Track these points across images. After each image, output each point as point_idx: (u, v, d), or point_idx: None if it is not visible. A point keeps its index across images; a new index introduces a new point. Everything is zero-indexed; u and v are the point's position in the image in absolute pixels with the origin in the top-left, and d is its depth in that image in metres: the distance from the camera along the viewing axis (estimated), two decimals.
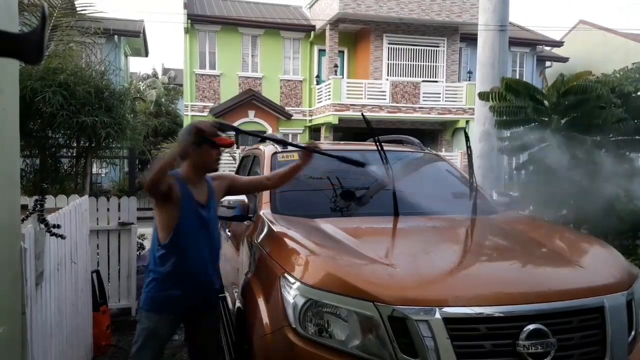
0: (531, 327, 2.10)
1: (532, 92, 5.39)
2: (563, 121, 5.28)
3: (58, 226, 3.01)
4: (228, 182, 3.15)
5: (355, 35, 21.78)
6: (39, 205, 2.95)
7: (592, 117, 4.87)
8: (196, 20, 20.32)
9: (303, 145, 3.33)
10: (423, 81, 20.54)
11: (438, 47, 21.28)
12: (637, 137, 5.35)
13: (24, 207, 2.83)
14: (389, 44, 20.76)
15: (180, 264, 2.82)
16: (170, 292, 2.82)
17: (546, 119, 5.23)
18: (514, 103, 5.44)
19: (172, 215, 2.79)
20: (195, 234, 2.85)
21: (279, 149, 3.99)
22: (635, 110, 5.16)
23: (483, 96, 5.93)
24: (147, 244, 6.32)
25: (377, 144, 3.56)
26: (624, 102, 5.12)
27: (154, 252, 2.90)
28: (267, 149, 4.09)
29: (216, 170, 3.02)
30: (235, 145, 19.07)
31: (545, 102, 5.36)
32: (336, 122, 19.24)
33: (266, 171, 3.74)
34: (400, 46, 20.84)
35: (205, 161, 2.89)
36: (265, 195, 3.51)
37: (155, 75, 24.88)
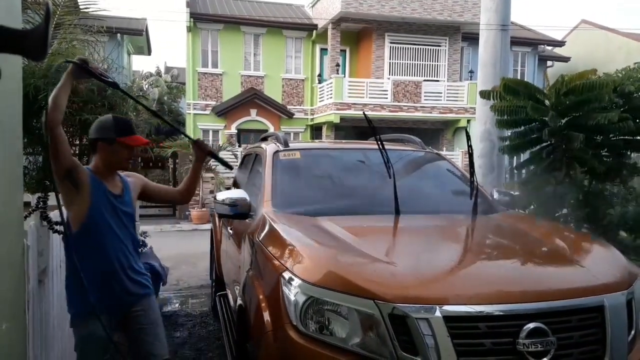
0: (531, 325, 2.10)
1: (532, 92, 5.38)
2: (564, 121, 5.27)
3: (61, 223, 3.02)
4: (142, 183, 3.07)
5: (357, 34, 21.78)
6: (41, 203, 2.96)
7: (593, 118, 4.87)
8: (199, 19, 20.34)
9: (190, 137, 3.55)
10: (425, 80, 20.55)
11: (440, 46, 21.27)
12: (638, 137, 5.35)
13: (26, 205, 2.84)
14: (391, 43, 20.76)
15: (90, 259, 2.64)
16: (84, 296, 2.57)
17: (546, 119, 5.23)
18: (514, 103, 5.44)
19: (82, 204, 2.65)
20: (108, 225, 2.72)
21: (281, 147, 3.99)
22: (636, 110, 5.15)
23: (484, 95, 5.93)
24: (149, 242, 6.33)
25: (379, 142, 3.56)
26: (626, 102, 5.12)
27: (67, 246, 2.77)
28: (269, 147, 4.09)
29: (126, 168, 2.96)
30: (237, 144, 19.11)
31: (547, 102, 5.35)
32: (338, 121, 19.26)
33: (267, 171, 3.72)
34: (402, 45, 20.84)
35: (115, 159, 2.80)
36: (267, 192, 3.52)
37: (158, 73, 24.89)
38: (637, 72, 5.26)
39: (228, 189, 5.42)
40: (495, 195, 4.14)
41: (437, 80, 20.99)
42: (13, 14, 2.17)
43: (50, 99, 2.46)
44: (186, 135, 3.64)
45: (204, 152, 3.14)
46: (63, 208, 2.54)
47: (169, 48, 75.23)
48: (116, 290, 2.73)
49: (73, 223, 2.66)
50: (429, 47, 21.14)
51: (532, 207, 5.62)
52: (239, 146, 18.76)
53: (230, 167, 3.30)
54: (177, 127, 3.52)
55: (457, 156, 19.67)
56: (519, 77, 20.99)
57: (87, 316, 2.63)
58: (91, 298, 2.54)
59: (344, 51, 21.83)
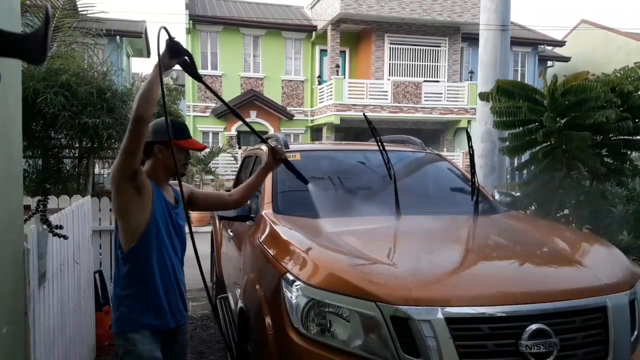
0: (533, 327, 2.10)
1: (529, 93, 5.38)
2: (563, 121, 5.27)
3: (61, 227, 3.02)
4: (189, 191, 2.82)
5: (356, 35, 21.78)
6: (41, 206, 2.96)
7: (591, 117, 4.86)
8: (198, 21, 20.35)
9: (268, 142, 3.01)
10: (425, 81, 20.55)
11: (439, 47, 21.27)
12: (637, 136, 5.34)
13: (26, 208, 2.84)
14: (391, 44, 20.76)
15: (150, 272, 2.46)
16: (140, 313, 2.45)
17: (542, 119, 5.22)
18: (511, 104, 5.44)
19: (140, 214, 2.43)
20: (168, 235, 2.55)
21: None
22: (635, 109, 5.15)
23: (483, 97, 5.93)
24: None
25: (379, 144, 3.56)
26: (624, 101, 5.11)
27: (116, 269, 2.55)
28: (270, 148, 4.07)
29: (182, 175, 2.66)
30: (237, 146, 19.12)
31: (545, 102, 5.35)
32: (338, 122, 19.25)
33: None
34: (401, 46, 20.84)
35: (170, 163, 2.50)
36: (268, 195, 3.51)
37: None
38: (635, 72, 5.25)
39: (228, 191, 5.41)
40: (497, 196, 4.13)
41: (437, 81, 20.99)
42: (12, 17, 2.17)
43: (143, 92, 2.21)
44: (262, 140, 3.04)
45: (278, 160, 2.81)
46: (116, 219, 2.44)
47: None
48: (172, 307, 2.55)
49: (131, 232, 2.43)
50: (429, 48, 21.15)
51: (533, 207, 5.62)
52: (239, 148, 18.77)
53: (306, 182, 2.92)
54: (254, 131, 3.01)
55: (457, 157, 19.67)
56: (519, 78, 21.08)
57: (142, 333, 2.45)
58: (147, 315, 2.44)
59: (344, 52, 21.83)
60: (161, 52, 2.25)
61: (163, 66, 2.26)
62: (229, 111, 19.57)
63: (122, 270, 2.48)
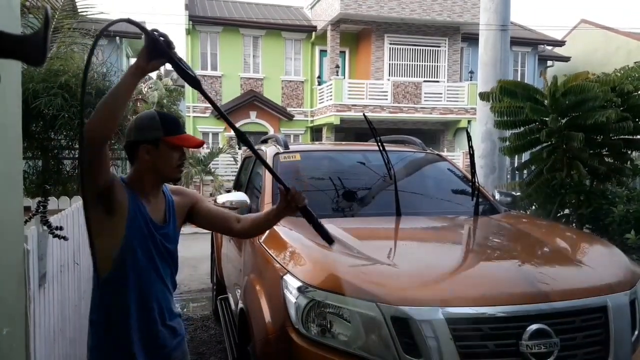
0: (534, 327, 2.10)
1: (531, 93, 5.39)
2: (563, 121, 5.27)
3: (61, 228, 3.01)
4: (192, 202, 2.29)
5: (356, 35, 21.79)
6: (41, 207, 2.95)
7: (591, 117, 4.87)
8: (197, 22, 20.36)
9: (283, 182, 2.17)
10: (424, 81, 20.56)
11: (439, 47, 21.28)
12: (637, 136, 5.34)
13: (26, 209, 2.83)
14: (390, 44, 20.77)
15: (123, 306, 2.02)
16: (118, 352, 2.04)
17: (545, 119, 5.23)
18: (513, 104, 5.44)
19: (110, 240, 1.97)
20: (148, 270, 2.06)
21: (281, 149, 3.98)
22: (635, 109, 5.15)
23: (484, 97, 5.93)
24: None
25: (379, 144, 3.56)
26: (624, 101, 5.12)
27: (93, 289, 2.10)
28: (269, 149, 4.08)
29: (177, 179, 2.18)
30: (238, 147, 19.12)
31: (545, 102, 5.36)
32: (338, 122, 19.26)
33: (268, 174, 3.71)
34: (401, 46, 20.85)
35: (163, 167, 2.04)
36: (268, 195, 3.51)
37: (160, 77, 24.89)
38: (635, 71, 5.25)
39: (228, 191, 5.41)
40: (497, 196, 4.13)
41: (437, 81, 21.00)
42: (12, 18, 2.17)
43: (104, 103, 1.73)
44: (279, 181, 2.17)
45: (295, 208, 2.14)
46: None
47: None
48: (152, 345, 2.11)
49: (103, 258, 1.98)
50: (429, 48, 21.16)
51: (533, 207, 5.61)
52: (239, 149, 18.77)
53: (331, 242, 2.15)
54: (266, 164, 2.33)
55: (457, 157, 19.67)
56: (519, 77, 21.06)
57: None
58: (132, 351, 2.03)
59: (344, 52, 21.84)
60: (141, 53, 1.78)
61: (140, 69, 1.78)
62: (228, 112, 19.58)
63: (95, 296, 2.08)
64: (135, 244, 2.01)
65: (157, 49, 1.75)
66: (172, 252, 2.16)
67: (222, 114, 2.03)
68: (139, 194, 2.04)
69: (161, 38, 1.77)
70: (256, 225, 2.33)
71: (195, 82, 1.88)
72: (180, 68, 1.83)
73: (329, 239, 2.14)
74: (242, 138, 2.09)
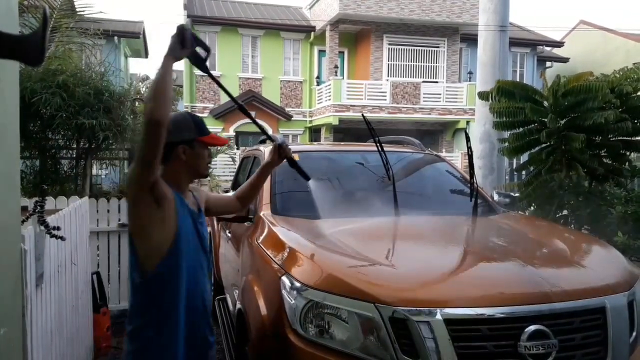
0: (532, 328, 2.09)
1: (530, 94, 5.39)
2: (562, 122, 5.28)
3: (58, 228, 3.01)
4: (206, 196, 2.53)
5: (355, 35, 21.79)
6: (39, 207, 2.95)
7: (590, 118, 4.87)
8: (196, 21, 20.34)
9: (271, 137, 2.71)
10: (423, 82, 20.57)
11: (438, 47, 21.30)
12: (636, 137, 5.35)
13: (24, 209, 2.83)
14: (389, 44, 20.78)
15: (171, 310, 2.08)
16: (169, 350, 2.09)
17: (545, 120, 5.24)
18: (512, 104, 5.45)
19: (163, 231, 2.07)
20: (195, 251, 2.20)
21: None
22: (634, 110, 5.16)
23: (483, 96, 5.93)
24: None
25: (378, 144, 3.55)
26: (623, 102, 5.12)
27: (132, 297, 2.14)
28: (268, 149, 4.07)
29: (206, 176, 2.44)
30: (236, 147, 19.11)
31: (545, 103, 5.36)
32: (336, 123, 19.26)
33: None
34: (400, 47, 20.86)
35: (196, 164, 2.24)
36: (266, 196, 3.50)
37: None
38: (634, 73, 5.26)
39: (226, 191, 5.41)
40: (495, 197, 4.13)
41: (436, 82, 21.02)
42: (10, 18, 2.16)
43: (154, 90, 1.91)
44: (268, 136, 2.77)
45: (282, 157, 2.59)
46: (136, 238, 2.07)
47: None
48: (199, 338, 2.22)
49: (153, 253, 2.06)
50: (428, 49, 21.17)
51: (532, 208, 5.61)
52: (237, 149, 18.75)
53: (307, 178, 2.74)
54: (261, 127, 2.82)
55: (456, 158, 19.68)
56: (517, 78, 21.10)
57: None
58: (178, 351, 2.08)
59: (342, 53, 21.84)
60: (171, 42, 2.01)
61: (173, 58, 2.00)
62: (227, 112, 19.59)
63: (139, 301, 2.11)
64: (185, 232, 2.13)
65: (189, 39, 2.04)
66: (207, 239, 2.31)
67: (230, 96, 2.53)
68: (176, 189, 2.17)
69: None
70: (253, 187, 2.66)
71: (207, 72, 2.31)
72: (199, 58, 2.19)
73: (306, 176, 2.70)
74: (242, 109, 2.55)
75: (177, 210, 2.11)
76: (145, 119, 1.89)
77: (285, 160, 2.63)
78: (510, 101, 5.46)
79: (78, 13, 7.38)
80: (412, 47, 21.00)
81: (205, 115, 20.41)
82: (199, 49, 2.17)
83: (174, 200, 2.10)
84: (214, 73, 16.14)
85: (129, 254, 2.13)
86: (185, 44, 2.03)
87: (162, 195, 2.04)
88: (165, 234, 2.06)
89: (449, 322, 2.05)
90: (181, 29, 2.03)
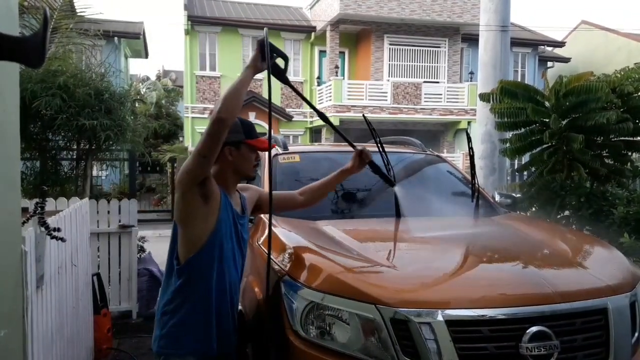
0: (534, 329, 2.09)
1: (532, 94, 5.38)
2: (564, 122, 5.27)
3: (58, 229, 3.01)
4: (258, 194, 2.64)
5: (356, 36, 21.79)
6: (39, 208, 2.95)
7: (591, 119, 4.86)
8: (196, 22, 20.36)
9: (353, 144, 2.88)
10: (424, 82, 20.56)
11: (439, 47, 21.29)
12: (638, 137, 5.34)
13: (24, 210, 2.82)
14: (390, 44, 20.77)
15: (204, 294, 2.24)
16: (200, 335, 2.25)
17: (547, 120, 5.23)
18: (514, 105, 5.44)
19: (204, 224, 2.22)
20: (231, 248, 2.33)
21: (281, 150, 3.97)
22: (635, 110, 5.15)
23: (484, 97, 5.92)
24: (148, 247, 6.31)
25: (379, 145, 3.55)
26: (625, 102, 5.11)
27: (167, 280, 2.32)
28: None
29: (253, 177, 2.54)
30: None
31: (547, 103, 5.35)
32: (337, 123, 19.23)
33: (266, 175, 3.69)
34: (401, 47, 20.85)
35: (242, 165, 2.38)
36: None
37: (158, 77, 24.91)
38: (635, 73, 5.25)
39: None
40: (497, 197, 4.12)
41: (437, 82, 21.00)
42: (10, 19, 2.16)
43: (229, 93, 2.11)
44: (350, 143, 2.93)
45: (364, 163, 2.76)
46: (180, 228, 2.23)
47: (167, 51, 75.47)
48: (222, 331, 2.32)
49: (192, 242, 2.22)
50: (429, 49, 21.16)
51: (534, 209, 5.60)
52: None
53: (392, 184, 2.91)
54: (341, 134, 2.97)
55: (457, 158, 19.66)
56: (519, 78, 21.10)
57: (185, 358, 2.26)
58: (194, 339, 2.23)
59: (343, 53, 21.83)
60: (253, 54, 2.28)
61: (254, 69, 2.28)
62: None
63: (175, 283, 2.26)
64: (224, 229, 2.26)
65: (270, 52, 2.26)
66: (246, 242, 2.45)
67: (319, 113, 2.74)
68: (224, 188, 2.32)
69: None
70: (322, 190, 2.80)
71: (287, 83, 2.53)
72: (279, 70, 2.45)
73: (390, 181, 2.84)
74: (323, 117, 2.80)
75: (221, 208, 2.25)
76: (212, 116, 2.05)
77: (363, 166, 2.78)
78: (512, 101, 5.45)
79: (78, 14, 7.38)
80: (413, 47, 20.99)
81: (204, 116, 20.41)
82: (278, 60, 2.39)
83: (220, 199, 2.25)
84: (214, 74, 16.08)
85: (170, 239, 2.30)
86: (266, 55, 2.25)
87: (209, 191, 2.19)
88: (205, 229, 2.21)
89: (450, 323, 2.04)
90: (262, 43, 2.22)
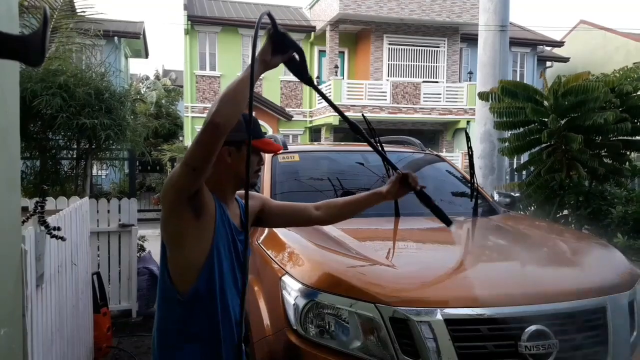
0: (533, 328, 2.09)
1: (531, 94, 5.39)
2: (563, 122, 5.28)
3: (58, 228, 3.01)
4: (260, 203, 2.18)
5: (355, 35, 21.79)
6: (39, 207, 2.95)
7: (590, 118, 4.87)
8: (196, 22, 20.35)
9: (396, 167, 2.37)
10: (424, 82, 20.56)
11: (438, 47, 21.29)
12: (636, 137, 5.35)
13: (24, 209, 2.83)
14: (389, 44, 20.77)
15: (216, 332, 1.86)
16: None
17: (545, 120, 5.24)
18: (513, 104, 5.45)
19: (197, 244, 1.81)
20: (229, 277, 1.91)
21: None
22: (634, 110, 5.16)
23: (483, 97, 5.93)
24: (148, 246, 6.31)
25: (378, 144, 3.55)
26: (623, 102, 5.12)
27: (164, 307, 1.89)
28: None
29: (254, 185, 2.15)
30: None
31: (545, 103, 5.36)
32: (337, 123, 19.25)
33: (266, 174, 3.69)
34: (400, 47, 20.85)
35: (242, 170, 1.89)
36: (266, 196, 3.50)
37: (157, 77, 24.89)
38: (634, 72, 5.26)
39: None
40: (496, 197, 4.13)
41: (436, 82, 21.01)
42: (10, 18, 2.16)
43: (227, 93, 1.65)
44: (390, 164, 2.42)
45: (405, 190, 2.26)
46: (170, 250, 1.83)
47: (167, 51, 75.46)
48: None
49: (186, 267, 1.82)
50: (428, 49, 21.16)
51: (532, 208, 5.61)
52: None
53: (449, 223, 2.35)
54: (373, 145, 2.40)
55: (457, 157, 19.67)
56: (518, 78, 21.09)
57: None
58: None
59: (343, 53, 21.84)
60: (260, 46, 1.75)
61: (263, 64, 1.77)
62: None
63: (172, 314, 1.86)
64: (222, 250, 1.86)
65: (284, 44, 1.78)
66: (247, 259, 1.97)
67: (338, 110, 2.16)
68: (220, 198, 1.91)
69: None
70: (347, 207, 2.29)
71: (309, 82, 1.94)
72: (297, 64, 1.88)
73: (447, 220, 2.29)
74: (354, 128, 2.17)
75: (217, 222, 1.85)
76: (206, 120, 1.62)
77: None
78: (511, 101, 5.46)
79: (78, 14, 7.38)
80: (412, 47, 20.99)
81: (204, 115, 20.37)
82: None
83: (215, 211, 1.85)
84: (214, 73, 16.04)
85: (160, 265, 1.90)
86: (279, 49, 1.79)
87: (202, 205, 1.79)
88: (200, 250, 1.82)
89: (449, 322, 2.05)
90: (276, 32, 1.78)
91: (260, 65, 1.74)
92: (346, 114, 2.24)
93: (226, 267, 1.89)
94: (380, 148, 2.45)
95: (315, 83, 2.01)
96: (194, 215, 1.77)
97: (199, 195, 1.76)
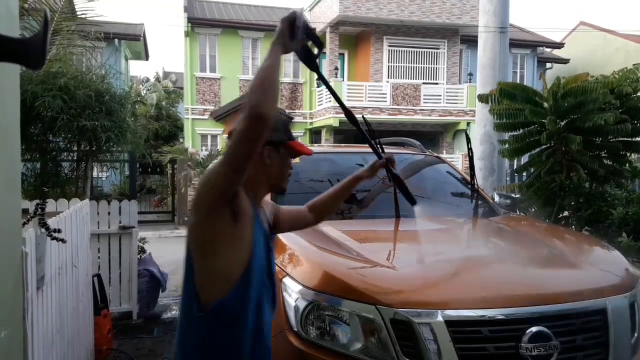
0: (534, 329, 2.09)
1: (530, 95, 5.39)
2: (562, 123, 5.28)
3: (59, 230, 3.01)
4: (275, 210, 2.07)
5: (355, 37, 21.80)
6: (39, 209, 2.95)
7: (589, 120, 4.88)
8: (196, 24, 20.35)
9: (380, 153, 2.38)
10: (424, 83, 20.56)
11: (438, 49, 21.29)
12: (636, 138, 5.35)
13: (25, 211, 2.83)
14: (389, 46, 20.78)
15: (238, 347, 1.67)
16: None
17: (544, 121, 5.24)
18: (512, 106, 5.45)
19: (234, 252, 1.64)
20: (267, 277, 1.77)
21: None
22: (633, 111, 5.16)
23: (483, 98, 5.93)
24: (148, 248, 6.31)
25: (378, 146, 3.55)
26: (623, 103, 5.12)
27: (187, 328, 1.70)
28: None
29: (285, 190, 1.91)
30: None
31: (545, 104, 5.36)
32: (337, 124, 19.24)
33: None
34: (400, 48, 20.85)
35: (279, 173, 1.82)
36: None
37: (158, 79, 24.90)
38: (633, 73, 5.26)
39: None
40: (496, 198, 4.13)
41: (436, 83, 21.01)
42: (11, 21, 2.16)
43: (259, 79, 1.51)
44: (374, 149, 2.44)
45: (378, 169, 2.25)
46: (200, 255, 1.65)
47: (167, 53, 75.52)
48: None
49: (220, 279, 1.64)
50: (428, 50, 21.16)
51: (533, 209, 5.61)
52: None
53: (413, 202, 2.23)
54: (366, 135, 2.52)
55: (457, 159, 19.65)
56: (518, 79, 21.10)
57: None
58: None
59: (343, 55, 21.83)
60: (280, 28, 1.62)
61: (283, 47, 1.62)
62: (228, 114, 19.61)
63: (196, 334, 1.67)
64: (260, 257, 1.71)
65: (302, 29, 1.69)
66: (274, 264, 1.87)
67: (335, 94, 2.35)
68: (252, 201, 1.75)
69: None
70: (333, 199, 2.23)
71: (318, 71, 2.00)
72: (310, 53, 1.86)
73: (412, 199, 2.20)
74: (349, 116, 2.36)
75: (254, 227, 1.69)
76: (246, 113, 1.46)
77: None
78: (510, 103, 5.46)
79: (79, 16, 7.39)
80: (412, 49, 20.99)
81: (205, 117, 20.41)
82: (310, 44, 1.84)
83: (252, 215, 1.70)
84: (214, 75, 16.06)
85: (184, 276, 1.69)
86: (296, 34, 1.66)
87: (239, 206, 1.64)
88: (237, 258, 1.64)
89: (450, 323, 2.05)
90: (293, 15, 1.66)
91: (279, 50, 1.61)
92: None
93: (264, 277, 1.74)
94: (375, 143, 2.54)
95: (316, 85, 2.05)
96: (231, 219, 1.62)
97: (238, 197, 1.63)
